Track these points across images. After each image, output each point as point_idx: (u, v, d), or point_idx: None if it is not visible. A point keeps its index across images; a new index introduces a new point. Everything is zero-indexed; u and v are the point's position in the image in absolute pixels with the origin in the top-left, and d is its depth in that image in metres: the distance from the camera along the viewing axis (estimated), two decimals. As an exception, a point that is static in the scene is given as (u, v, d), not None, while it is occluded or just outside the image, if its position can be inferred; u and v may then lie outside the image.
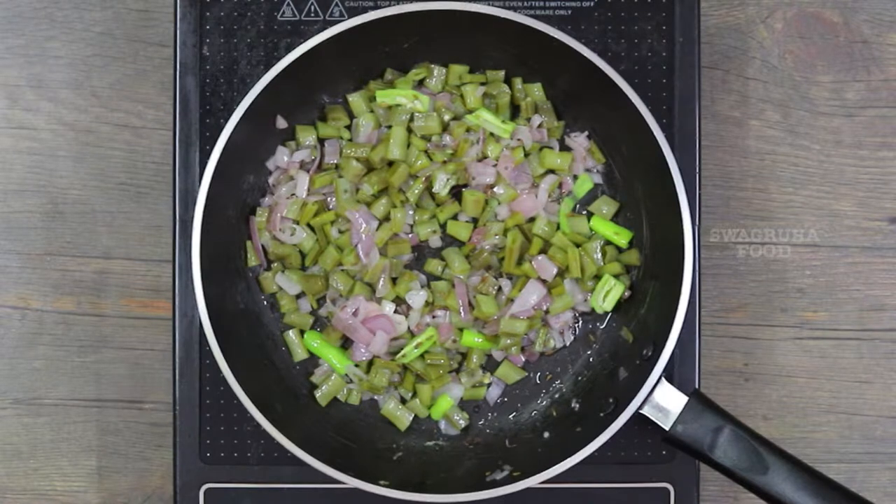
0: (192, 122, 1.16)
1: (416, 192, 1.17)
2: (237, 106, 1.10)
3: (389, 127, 1.18)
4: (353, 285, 1.18)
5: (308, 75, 1.13)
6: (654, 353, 1.11)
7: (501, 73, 1.19)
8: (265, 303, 1.19)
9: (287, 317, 1.19)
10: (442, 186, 1.17)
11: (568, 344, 1.20)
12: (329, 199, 1.19)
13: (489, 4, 1.12)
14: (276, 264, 1.19)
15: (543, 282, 1.18)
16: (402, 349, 1.18)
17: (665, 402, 1.10)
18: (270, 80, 1.10)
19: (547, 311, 1.19)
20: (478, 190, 1.18)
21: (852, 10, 1.25)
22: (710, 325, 1.24)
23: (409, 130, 1.18)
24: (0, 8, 1.24)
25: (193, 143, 1.16)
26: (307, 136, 1.18)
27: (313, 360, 1.19)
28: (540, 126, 1.19)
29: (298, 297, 1.19)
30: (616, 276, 1.18)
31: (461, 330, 1.18)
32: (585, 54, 1.11)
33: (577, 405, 1.18)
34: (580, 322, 1.20)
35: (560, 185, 1.20)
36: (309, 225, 1.19)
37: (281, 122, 1.18)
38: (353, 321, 1.17)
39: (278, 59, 1.11)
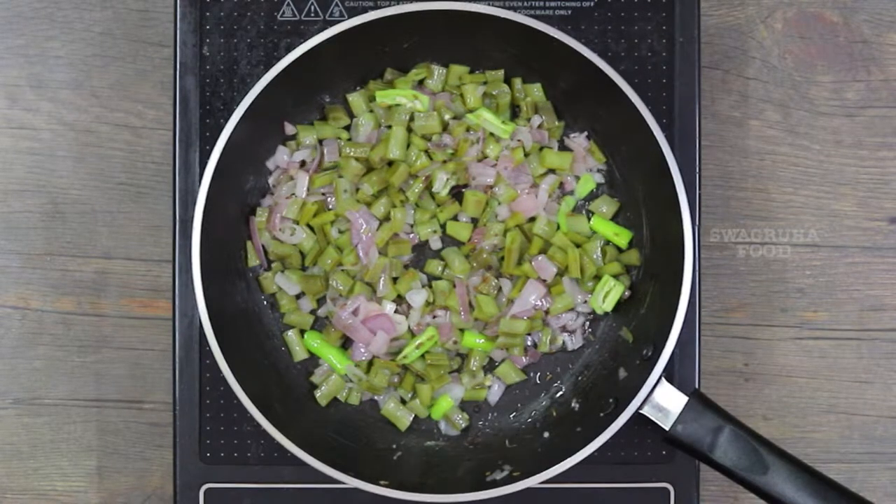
0: (192, 122, 1.16)
1: (416, 191, 1.17)
2: (237, 106, 1.10)
3: (389, 127, 1.18)
4: (353, 285, 1.18)
5: (308, 75, 1.13)
6: (654, 353, 1.11)
7: (501, 73, 1.19)
8: (265, 303, 1.19)
9: (287, 317, 1.19)
10: (442, 186, 1.17)
11: (577, 347, 1.20)
12: (329, 199, 1.19)
13: (489, 4, 1.12)
14: (276, 264, 1.19)
15: (543, 282, 1.18)
16: (402, 349, 1.18)
17: (665, 402, 1.10)
18: (270, 80, 1.10)
19: (547, 312, 1.19)
20: (478, 190, 1.18)
21: (852, 10, 1.25)
22: (710, 325, 1.24)
23: (409, 130, 1.18)
24: (0, 8, 1.24)
25: (193, 143, 1.16)
26: (307, 136, 1.18)
27: (313, 360, 1.19)
28: (540, 126, 1.19)
29: (298, 297, 1.19)
30: (616, 276, 1.18)
31: (462, 331, 1.18)
32: (585, 54, 1.11)
33: (577, 405, 1.18)
34: (588, 324, 1.20)
35: (561, 185, 1.20)
36: (309, 225, 1.19)
37: (289, 129, 1.18)
38: (353, 321, 1.17)
39: (278, 59, 1.11)
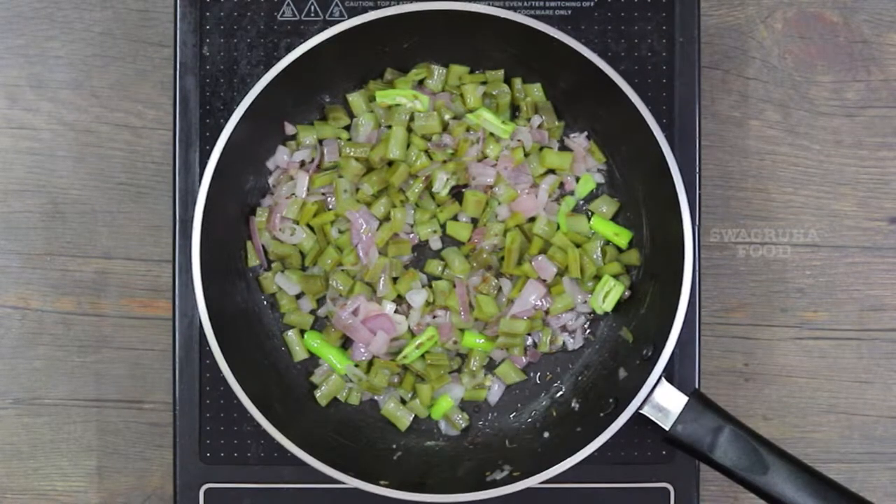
0: (192, 122, 1.16)
1: (416, 191, 1.17)
2: (237, 106, 1.10)
3: (389, 127, 1.18)
4: (353, 285, 1.18)
5: (308, 75, 1.13)
6: (654, 353, 1.11)
7: (501, 73, 1.19)
8: (265, 303, 1.19)
9: (287, 317, 1.19)
10: (442, 186, 1.17)
11: (577, 347, 1.20)
12: (329, 199, 1.19)
13: (489, 4, 1.12)
14: (276, 264, 1.19)
15: (543, 282, 1.18)
16: (402, 349, 1.18)
17: (665, 402, 1.10)
18: (270, 80, 1.10)
19: (547, 312, 1.19)
20: (478, 190, 1.18)
21: (852, 10, 1.25)
22: (710, 325, 1.24)
23: (409, 130, 1.18)
24: (0, 8, 1.24)
25: (193, 143, 1.16)
26: (307, 136, 1.18)
27: (313, 360, 1.19)
28: (540, 126, 1.19)
29: (298, 297, 1.19)
30: (616, 276, 1.18)
31: (462, 331, 1.18)
32: (585, 54, 1.11)
33: (577, 405, 1.18)
34: (588, 324, 1.20)
35: (561, 185, 1.20)
36: (309, 225, 1.19)
37: (290, 129, 1.18)
38: (353, 321, 1.17)
39: (278, 59, 1.11)
